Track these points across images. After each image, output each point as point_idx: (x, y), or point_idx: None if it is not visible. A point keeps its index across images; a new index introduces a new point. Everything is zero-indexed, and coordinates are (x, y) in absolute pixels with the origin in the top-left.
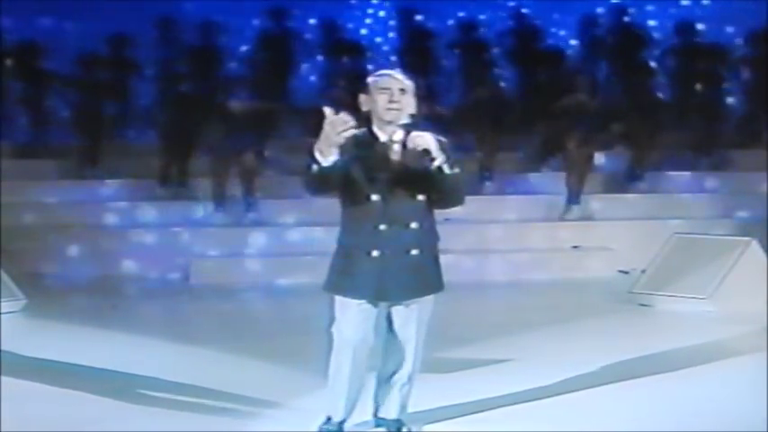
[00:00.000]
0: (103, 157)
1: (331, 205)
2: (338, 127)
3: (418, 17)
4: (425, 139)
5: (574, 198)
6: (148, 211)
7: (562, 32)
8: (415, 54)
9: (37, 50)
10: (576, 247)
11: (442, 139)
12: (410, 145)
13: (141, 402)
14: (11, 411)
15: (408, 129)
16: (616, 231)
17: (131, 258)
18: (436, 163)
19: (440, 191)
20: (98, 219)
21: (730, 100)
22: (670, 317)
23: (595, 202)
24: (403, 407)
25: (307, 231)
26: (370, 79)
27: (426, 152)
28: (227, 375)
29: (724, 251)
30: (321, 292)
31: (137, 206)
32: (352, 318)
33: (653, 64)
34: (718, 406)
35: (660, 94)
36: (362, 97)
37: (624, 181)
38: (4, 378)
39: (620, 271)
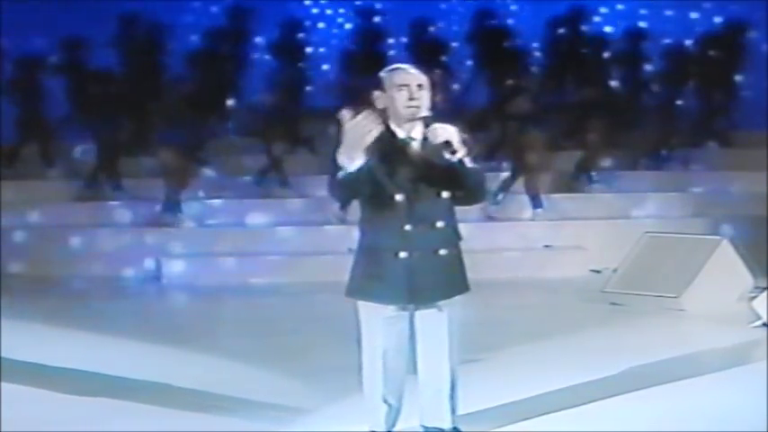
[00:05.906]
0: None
1: (299, 205)
2: (365, 128)
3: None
4: (447, 131)
5: (537, 203)
6: (120, 211)
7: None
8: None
9: None
10: (548, 246)
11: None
12: (430, 136)
13: (113, 401)
14: None
15: (427, 123)
16: (588, 230)
17: (102, 258)
18: (457, 155)
19: (463, 187)
20: (68, 218)
21: (684, 101)
22: (641, 315)
23: (567, 201)
24: (454, 414)
25: (278, 232)
26: (383, 75)
27: (447, 144)
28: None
29: (695, 250)
30: (293, 292)
31: (108, 206)
32: (382, 324)
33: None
34: (698, 402)
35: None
36: (377, 94)
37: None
38: None
39: (592, 270)
